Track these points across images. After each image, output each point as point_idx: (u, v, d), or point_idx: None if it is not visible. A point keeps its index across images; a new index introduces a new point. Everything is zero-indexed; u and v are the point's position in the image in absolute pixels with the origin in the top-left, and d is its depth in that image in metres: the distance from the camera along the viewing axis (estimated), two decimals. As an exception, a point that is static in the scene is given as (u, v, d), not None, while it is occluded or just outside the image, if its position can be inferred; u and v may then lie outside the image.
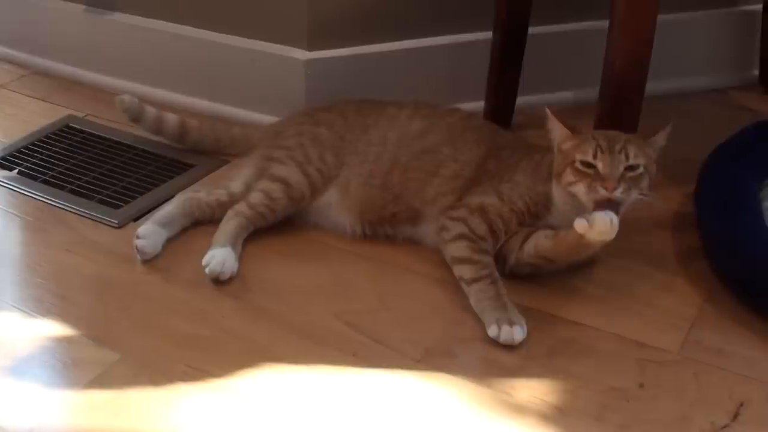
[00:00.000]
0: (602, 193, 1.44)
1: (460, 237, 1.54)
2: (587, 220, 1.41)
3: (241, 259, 1.61)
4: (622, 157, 1.46)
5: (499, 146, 1.67)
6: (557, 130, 1.54)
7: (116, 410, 1.31)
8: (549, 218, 1.56)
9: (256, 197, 1.67)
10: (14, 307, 1.52)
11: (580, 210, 1.47)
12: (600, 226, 1.41)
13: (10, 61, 2.40)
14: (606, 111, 1.63)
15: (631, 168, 1.46)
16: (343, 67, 2.02)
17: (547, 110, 1.55)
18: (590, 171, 1.46)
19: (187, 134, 1.94)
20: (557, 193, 1.53)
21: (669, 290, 1.57)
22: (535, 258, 1.53)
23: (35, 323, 1.48)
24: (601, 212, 1.42)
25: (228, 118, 2.09)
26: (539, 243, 1.52)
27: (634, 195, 1.47)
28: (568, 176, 1.49)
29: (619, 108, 1.64)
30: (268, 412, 1.31)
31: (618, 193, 1.44)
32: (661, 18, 1.62)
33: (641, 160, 1.47)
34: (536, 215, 1.56)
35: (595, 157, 1.46)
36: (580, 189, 1.47)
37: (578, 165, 1.47)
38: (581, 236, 1.43)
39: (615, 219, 1.41)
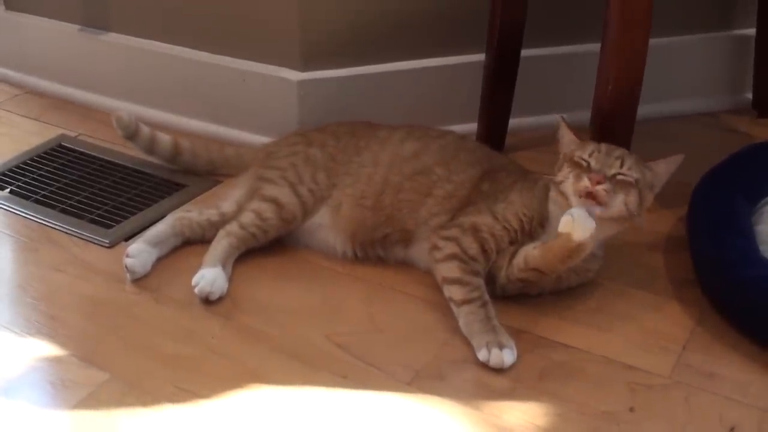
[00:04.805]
0: (585, 182, 1.45)
1: (452, 257, 1.54)
2: (570, 214, 1.44)
3: (231, 279, 1.61)
4: (617, 163, 1.48)
5: (494, 168, 1.68)
6: (567, 136, 1.57)
7: (105, 431, 1.31)
8: (543, 237, 1.56)
9: (247, 217, 1.67)
10: (4, 327, 1.51)
11: None
12: (581, 221, 1.43)
13: (4, 81, 2.41)
14: (598, 133, 1.63)
15: (621, 174, 1.48)
16: (336, 88, 2.03)
17: (561, 119, 1.58)
18: (584, 165, 1.48)
19: (180, 155, 1.94)
20: (553, 206, 1.54)
21: (660, 313, 1.57)
22: (525, 271, 1.52)
23: (25, 343, 1.48)
24: (581, 209, 1.45)
25: (221, 139, 2.09)
26: (528, 254, 1.52)
27: (618, 201, 1.47)
28: (564, 170, 1.50)
29: (610, 130, 1.65)
30: (257, 434, 1.31)
31: (601, 188, 1.45)
32: (654, 41, 1.63)
33: (635, 174, 1.48)
34: (530, 234, 1.56)
35: (591, 155, 1.49)
36: (569, 182, 1.48)
37: (575, 158, 1.49)
38: (568, 238, 1.44)
39: (592, 221, 1.44)
